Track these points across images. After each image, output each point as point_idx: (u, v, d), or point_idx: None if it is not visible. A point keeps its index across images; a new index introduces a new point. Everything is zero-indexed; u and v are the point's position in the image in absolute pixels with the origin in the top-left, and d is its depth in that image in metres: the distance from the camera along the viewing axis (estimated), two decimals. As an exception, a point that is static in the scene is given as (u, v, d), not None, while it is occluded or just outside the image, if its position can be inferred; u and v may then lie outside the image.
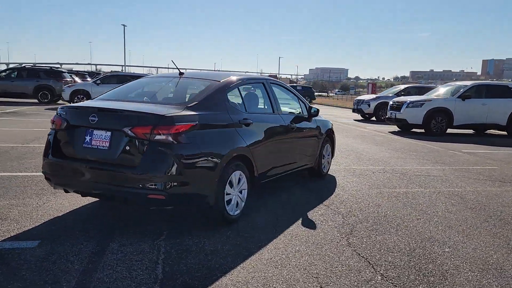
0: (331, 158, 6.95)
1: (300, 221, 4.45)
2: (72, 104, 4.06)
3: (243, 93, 4.76)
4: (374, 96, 20.73)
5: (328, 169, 6.79)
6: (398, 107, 14.40)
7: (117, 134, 3.64)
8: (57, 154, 3.95)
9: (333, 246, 3.79)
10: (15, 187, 5.27)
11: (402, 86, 20.69)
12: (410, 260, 3.55)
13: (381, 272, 3.29)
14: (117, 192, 3.60)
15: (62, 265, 3.18)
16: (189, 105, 3.91)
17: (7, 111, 15.98)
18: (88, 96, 18.67)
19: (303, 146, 5.79)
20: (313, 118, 6.08)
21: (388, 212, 4.91)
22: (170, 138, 3.53)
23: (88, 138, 3.79)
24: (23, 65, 24.85)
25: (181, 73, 4.76)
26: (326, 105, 36.44)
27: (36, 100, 20.84)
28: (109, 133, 3.68)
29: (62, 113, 4.00)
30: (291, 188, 5.83)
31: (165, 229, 4.03)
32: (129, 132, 3.55)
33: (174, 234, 3.91)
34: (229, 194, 4.10)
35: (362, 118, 20.21)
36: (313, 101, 38.07)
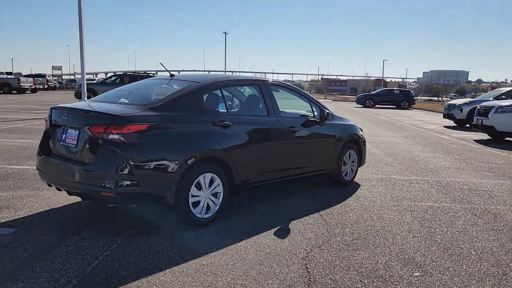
0: (359, 166, 6.48)
1: (275, 229, 4.24)
2: (55, 105, 4.38)
3: (226, 95, 4.69)
4: (467, 100, 18.78)
5: (353, 177, 6.34)
6: (485, 112, 12.85)
7: (82, 133, 3.85)
8: (44, 151, 4.30)
9: (285, 258, 3.54)
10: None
11: (506, 89, 18.37)
12: (360, 280, 3.17)
13: (313, 290, 3.00)
14: (78, 188, 3.81)
15: (14, 252, 3.46)
16: (153, 106, 3.99)
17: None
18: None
19: (312, 151, 5.50)
20: (330, 123, 5.75)
21: (385, 226, 4.44)
22: (121, 138, 3.63)
23: (64, 136, 4.07)
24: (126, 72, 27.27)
25: (171, 75, 4.86)
26: (424, 110, 33.80)
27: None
28: (77, 132, 3.91)
29: (49, 113, 4.35)
30: (296, 194, 5.56)
31: (135, 226, 4.14)
32: (88, 130, 3.73)
33: (139, 232, 4.00)
34: (196, 196, 4.07)
35: (455, 125, 18.40)
36: (412, 106, 35.74)
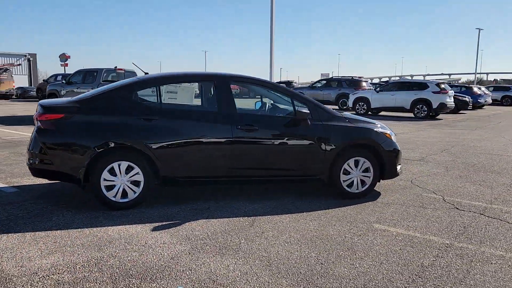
0: (381, 178, 5.36)
1: (166, 223, 4.26)
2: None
3: (165, 91, 4.90)
4: None
5: (365, 190, 5.27)
6: None
7: None
8: None
9: (114, 247, 3.67)
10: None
11: None
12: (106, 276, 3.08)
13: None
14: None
15: (-15, 201, 4.80)
16: (79, 99, 4.69)
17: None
18: (368, 104, 19.40)
19: (286, 152, 4.99)
20: (321, 123, 5.07)
21: (277, 244, 3.81)
22: (40, 124, 4.50)
23: None
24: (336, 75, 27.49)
25: (145, 74, 5.38)
26: None
27: (337, 107, 23.31)
28: None
29: None
30: (272, 197, 5.13)
31: (82, 201, 4.92)
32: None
33: (72, 205, 4.75)
34: (110, 180, 4.53)
35: None
36: None
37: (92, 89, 14.42)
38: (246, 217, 4.49)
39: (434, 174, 6.82)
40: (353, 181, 5.22)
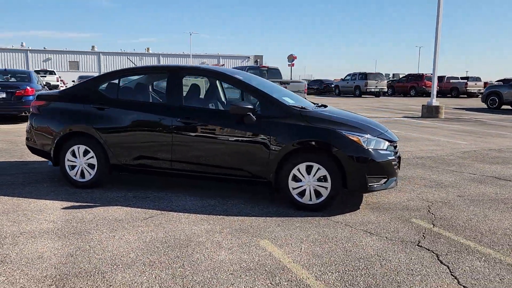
0: (348, 189, 4.33)
1: (90, 204, 4.54)
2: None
3: (122, 84, 5.12)
4: None
5: (321, 202, 4.32)
6: None
7: None
8: None
9: (8, 218, 4.21)
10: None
11: None
12: None
13: None
14: None
15: (28, 166, 6.08)
16: (63, 90, 5.40)
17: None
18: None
19: (223, 150, 4.59)
20: (266, 120, 4.47)
21: (132, 241, 3.66)
22: (31, 109, 5.42)
23: None
24: None
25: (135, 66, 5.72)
26: None
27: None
28: None
29: None
30: (217, 195, 4.77)
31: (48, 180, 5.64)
32: None
33: (46, 179, 5.56)
34: (73, 161, 5.09)
35: None
36: None
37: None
38: (156, 211, 4.37)
39: (486, 201, 4.99)
40: (305, 190, 4.39)
